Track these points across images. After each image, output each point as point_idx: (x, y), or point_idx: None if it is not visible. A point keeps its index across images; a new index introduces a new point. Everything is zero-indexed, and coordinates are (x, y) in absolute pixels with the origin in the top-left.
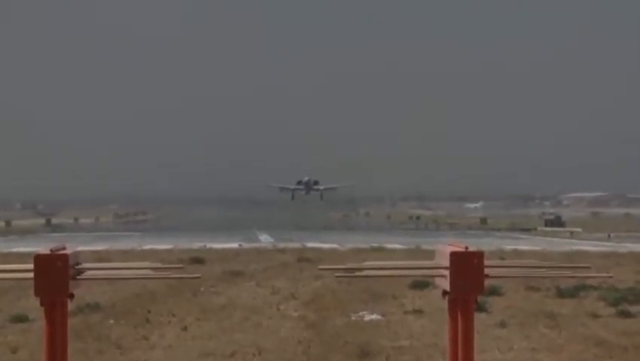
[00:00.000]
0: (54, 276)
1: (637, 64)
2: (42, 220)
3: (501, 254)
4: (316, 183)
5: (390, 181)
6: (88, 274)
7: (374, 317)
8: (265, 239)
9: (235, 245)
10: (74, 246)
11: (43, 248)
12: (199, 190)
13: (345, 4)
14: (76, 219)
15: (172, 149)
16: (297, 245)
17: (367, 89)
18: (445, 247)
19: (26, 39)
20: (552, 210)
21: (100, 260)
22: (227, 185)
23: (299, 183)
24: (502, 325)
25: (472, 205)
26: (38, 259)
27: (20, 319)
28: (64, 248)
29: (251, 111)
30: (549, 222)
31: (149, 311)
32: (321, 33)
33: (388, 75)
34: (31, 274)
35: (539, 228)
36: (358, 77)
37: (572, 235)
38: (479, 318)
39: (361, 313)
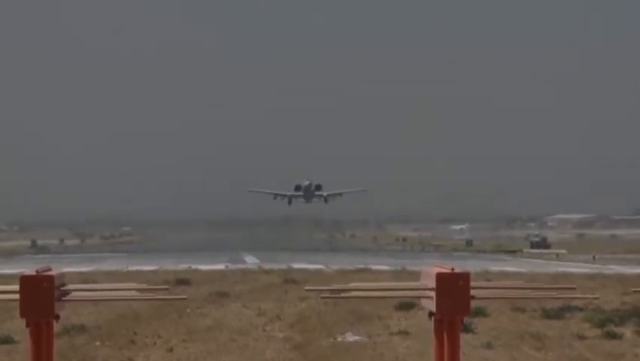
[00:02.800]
0: (40, 297)
1: (620, 88)
2: (27, 242)
3: (487, 276)
4: (319, 187)
5: (377, 203)
6: (74, 295)
7: (360, 338)
8: (251, 260)
9: (221, 266)
10: (59, 267)
11: (28, 270)
12: (185, 211)
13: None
14: (62, 240)
15: (159, 171)
16: (282, 266)
17: (354, 111)
18: (431, 268)
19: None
20: (537, 232)
21: (86, 282)
22: (217, 207)
23: (297, 188)
24: (488, 346)
25: (458, 227)
26: (24, 280)
27: (5, 340)
28: (49, 270)
29: (242, 135)
30: (535, 244)
31: (135, 333)
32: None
33: (376, 98)
34: (16, 296)
35: (525, 250)
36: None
37: (558, 256)
38: (465, 339)
39: (346, 335)
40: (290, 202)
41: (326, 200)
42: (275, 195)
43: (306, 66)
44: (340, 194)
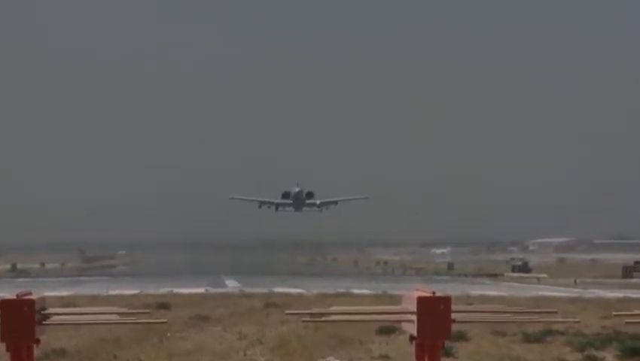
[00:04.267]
0: (20, 321)
1: (594, 113)
2: (7, 265)
3: (468, 299)
4: (310, 195)
5: (358, 226)
6: (54, 319)
7: None
8: (232, 284)
9: (201, 290)
10: (40, 291)
11: (8, 293)
12: (166, 234)
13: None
14: (42, 264)
15: (139, 193)
16: (264, 290)
17: (336, 135)
18: (412, 292)
19: None
20: (519, 256)
21: (66, 306)
22: (197, 230)
23: (285, 195)
24: None
25: (439, 251)
26: (4, 304)
27: None
28: (30, 293)
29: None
30: (516, 268)
31: (115, 357)
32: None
33: (363, 120)
34: None
35: (506, 273)
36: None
37: (539, 280)
38: None
39: (327, 359)
40: (277, 210)
41: (319, 208)
42: (261, 204)
43: (305, 67)
44: (335, 202)
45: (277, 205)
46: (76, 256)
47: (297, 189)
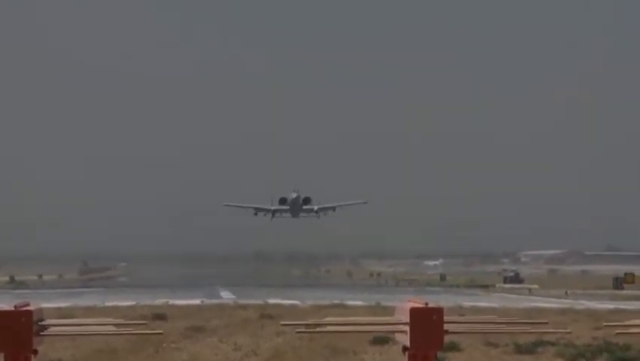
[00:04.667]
0: (18, 332)
1: (586, 126)
2: (6, 277)
3: (461, 310)
4: (307, 200)
5: (351, 238)
6: (52, 330)
7: None
8: (227, 296)
9: (197, 301)
10: (37, 303)
11: (6, 305)
12: (163, 247)
13: None
14: (40, 276)
15: (136, 205)
16: (259, 302)
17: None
18: (405, 303)
19: None
20: (511, 267)
21: (64, 317)
22: (193, 242)
23: (282, 201)
24: None
25: (432, 263)
26: (2, 315)
27: None
28: (28, 305)
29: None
30: (508, 279)
31: None
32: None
33: (348, 138)
34: None
35: (498, 285)
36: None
37: (530, 291)
38: None
39: None
40: (273, 217)
41: (317, 214)
42: (257, 210)
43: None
44: (333, 208)
45: (273, 212)
46: (77, 267)
47: (294, 195)
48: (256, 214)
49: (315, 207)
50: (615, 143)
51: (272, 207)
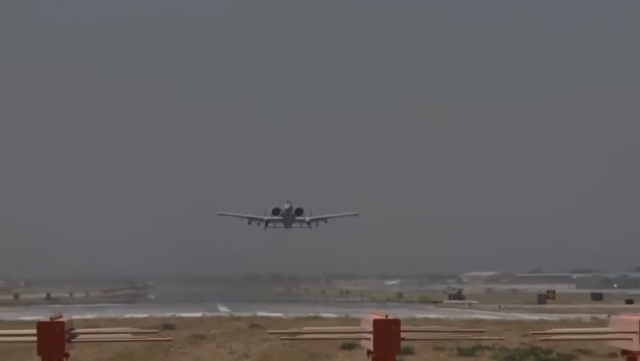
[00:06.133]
0: (53, 339)
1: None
2: (43, 294)
3: (414, 321)
4: (300, 212)
5: (325, 262)
6: (80, 337)
7: None
8: (223, 309)
9: (199, 314)
10: (69, 315)
11: (44, 317)
12: (170, 269)
13: None
14: (71, 293)
15: (148, 232)
16: (249, 314)
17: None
18: (369, 315)
19: None
20: (455, 286)
21: (90, 326)
22: (197, 264)
23: (275, 212)
24: None
25: (390, 282)
26: (40, 325)
27: None
28: (61, 317)
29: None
30: (452, 296)
31: None
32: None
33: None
34: (34, 338)
35: (444, 300)
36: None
37: (470, 306)
38: None
39: None
40: (266, 227)
41: (309, 225)
42: (250, 220)
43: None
44: (325, 219)
45: (267, 222)
46: (122, 285)
47: (287, 206)
48: (249, 223)
49: (307, 218)
50: (545, 174)
51: (266, 217)
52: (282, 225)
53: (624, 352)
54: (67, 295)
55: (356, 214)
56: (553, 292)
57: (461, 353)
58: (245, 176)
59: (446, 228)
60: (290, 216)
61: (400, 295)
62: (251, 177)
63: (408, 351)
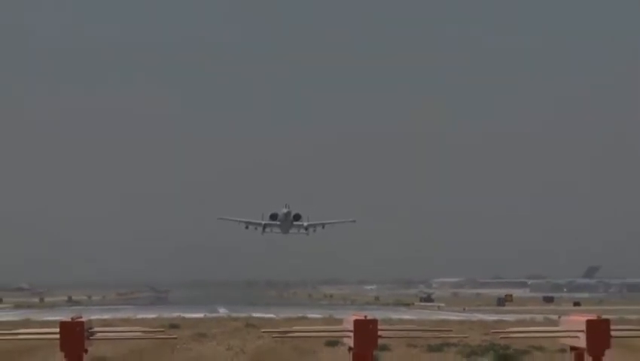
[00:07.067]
0: (74, 337)
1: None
2: (65, 297)
3: (390, 321)
4: (298, 217)
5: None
6: (98, 335)
7: None
8: (223, 311)
9: (201, 315)
10: (88, 315)
11: (66, 317)
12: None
13: None
14: (89, 296)
15: (159, 239)
16: (245, 315)
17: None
18: (350, 316)
19: None
20: (426, 290)
21: (106, 325)
22: (201, 270)
23: (273, 217)
24: None
25: (369, 287)
26: (63, 325)
27: None
28: (81, 317)
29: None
30: (423, 299)
31: None
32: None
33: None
34: (57, 336)
35: (416, 303)
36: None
37: (439, 308)
38: None
39: None
40: (264, 232)
41: (307, 230)
42: (248, 224)
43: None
44: (323, 225)
45: (264, 226)
46: (145, 290)
47: (285, 210)
48: (247, 228)
49: (305, 224)
50: (502, 188)
51: (263, 222)
52: (279, 230)
53: (572, 348)
54: (86, 297)
55: (354, 221)
56: (511, 295)
57: (431, 349)
58: (245, 181)
59: (419, 240)
60: (287, 221)
61: (377, 298)
62: (250, 182)
63: (384, 348)
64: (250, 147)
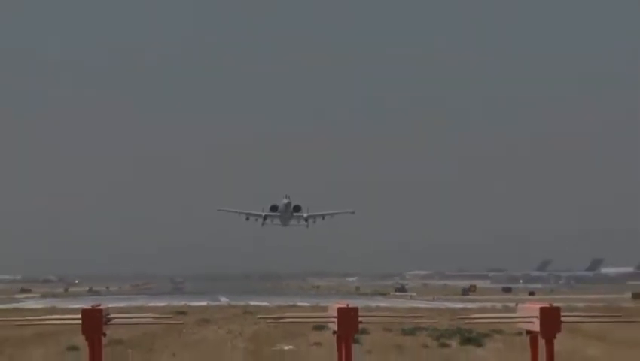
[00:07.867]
0: (94, 322)
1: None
2: (86, 288)
3: (369, 308)
4: (298, 208)
5: (300, 262)
6: (114, 321)
7: (292, 347)
8: (223, 299)
9: (204, 303)
10: (106, 303)
11: (87, 305)
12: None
13: None
14: (107, 287)
15: (170, 233)
16: (243, 303)
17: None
18: (334, 304)
19: None
20: (400, 282)
21: (121, 312)
22: (205, 264)
23: (273, 208)
24: (369, 352)
25: (351, 279)
26: (84, 312)
27: (74, 348)
28: (99, 305)
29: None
30: (397, 289)
31: (152, 344)
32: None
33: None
34: (79, 321)
35: (391, 293)
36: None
37: (411, 297)
38: (355, 348)
39: (283, 345)
40: (264, 223)
41: (307, 222)
42: (248, 216)
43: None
44: (322, 216)
45: (264, 217)
46: (168, 282)
47: (285, 201)
48: (247, 219)
49: (305, 215)
50: (466, 192)
51: (263, 213)
52: (279, 221)
53: (528, 332)
54: (105, 288)
55: (353, 212)
56: (474, 286)
57: (405, 332)
58: (245, 174)
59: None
60: (288, 213)
61: (358, 289)
62: (250, 175)
63: (364, 332)
64: (249, 146)
